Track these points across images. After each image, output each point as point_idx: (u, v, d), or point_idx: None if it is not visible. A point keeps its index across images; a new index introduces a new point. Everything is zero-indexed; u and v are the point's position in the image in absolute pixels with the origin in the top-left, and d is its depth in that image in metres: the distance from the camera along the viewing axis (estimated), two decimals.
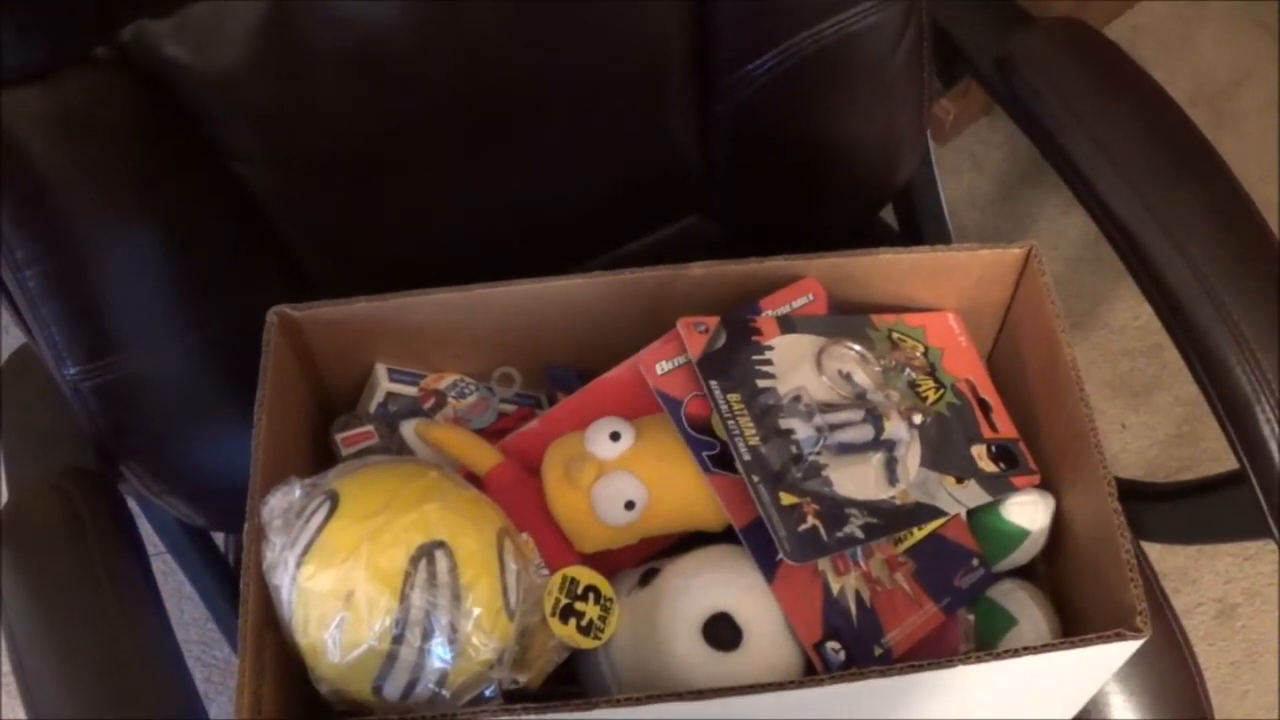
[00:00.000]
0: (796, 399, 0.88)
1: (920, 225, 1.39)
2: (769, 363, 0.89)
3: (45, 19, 0.88)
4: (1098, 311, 2.07)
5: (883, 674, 0.75)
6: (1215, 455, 1.92)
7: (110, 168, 0.94)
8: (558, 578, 0.84)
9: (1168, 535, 1.26)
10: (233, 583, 0.82)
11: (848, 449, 0.87)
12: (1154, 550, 1.18)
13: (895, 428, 0.89)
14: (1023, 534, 0.93)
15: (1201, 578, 1.88)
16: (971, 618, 0.92)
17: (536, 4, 1.00)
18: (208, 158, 0.98)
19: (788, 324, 0.92)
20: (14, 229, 0.91)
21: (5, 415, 1.12)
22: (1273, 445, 0.96)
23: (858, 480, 0.87)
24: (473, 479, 0.89)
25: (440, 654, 0.76)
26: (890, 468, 0.88)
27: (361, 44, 0.97)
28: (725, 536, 0.88)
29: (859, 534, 0.84)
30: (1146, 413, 1.99)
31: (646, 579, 0.87)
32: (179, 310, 0.98)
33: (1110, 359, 2.04)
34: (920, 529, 0.91)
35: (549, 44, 1.03)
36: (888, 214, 1.41)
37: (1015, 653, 0.77)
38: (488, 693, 0.79)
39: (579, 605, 0.84)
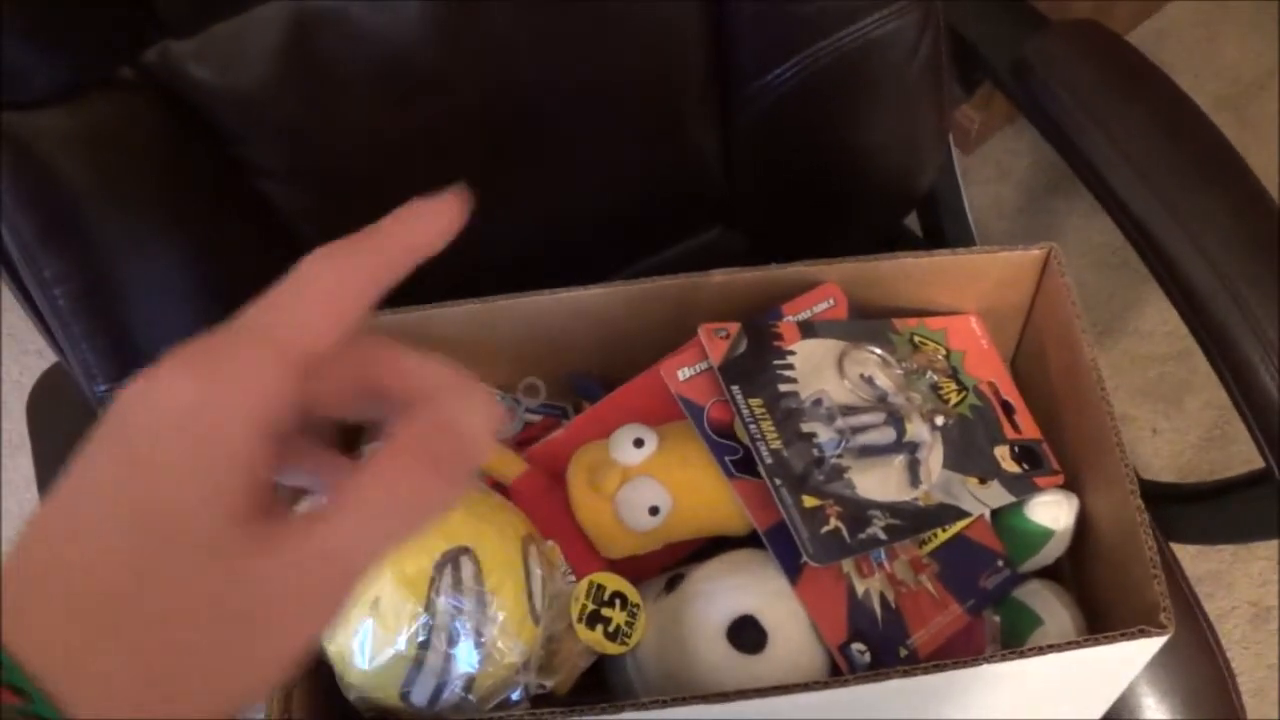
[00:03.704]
0: (818, 403, 0.88)
1: (945, 233, 1.39)
2: (790, 367, 0.90)
3: (71, 41, 0.89)
4: (1126, 317, 2.06)
5: (907, 674, 0.76)
6: (1247, 458, 1.89)
7: (137, 186, 0.95)
8: (584, 584, 0.84)
9: (1197, 536, 1.26)
10: None
11: (870, 451, 0.88)
12: (1187, 555, 1.18)
13: (917, 430, 0.90)
14: (1047, 534, 0.93)
15: (1236, 582, 1.87)
16: (997, 619, 0.92)
17: (553, 17, 1.00)
18: (233, 175, 0.99)
19: (809, 329, 0.92)
20: (43, 248, 0.92)
21: (38, 433, 1.13)
22: None
23: (880, 482, 0.87)
24: (499, 488, 0.89)
25: (466, 659, 0.77)
26: (913, 469, 0.89)
27: (381, 60, 0.97)
28: (749, 541, 0.88)
29: (882, 535, 0.84)
30: (1177, 418, 1.99)
31: (672, 584, 0.88)
32: (208, 326, 0.98)
33: (1140, 365, 2.03)
34: (944, 530, 0.91)
35: (566, 57, 1.04)
36: (913, 223, 1.41)
37: (1040, 651, 0.77)
38: (514, 697, 0.80)
39: (605, 611, 0.84)
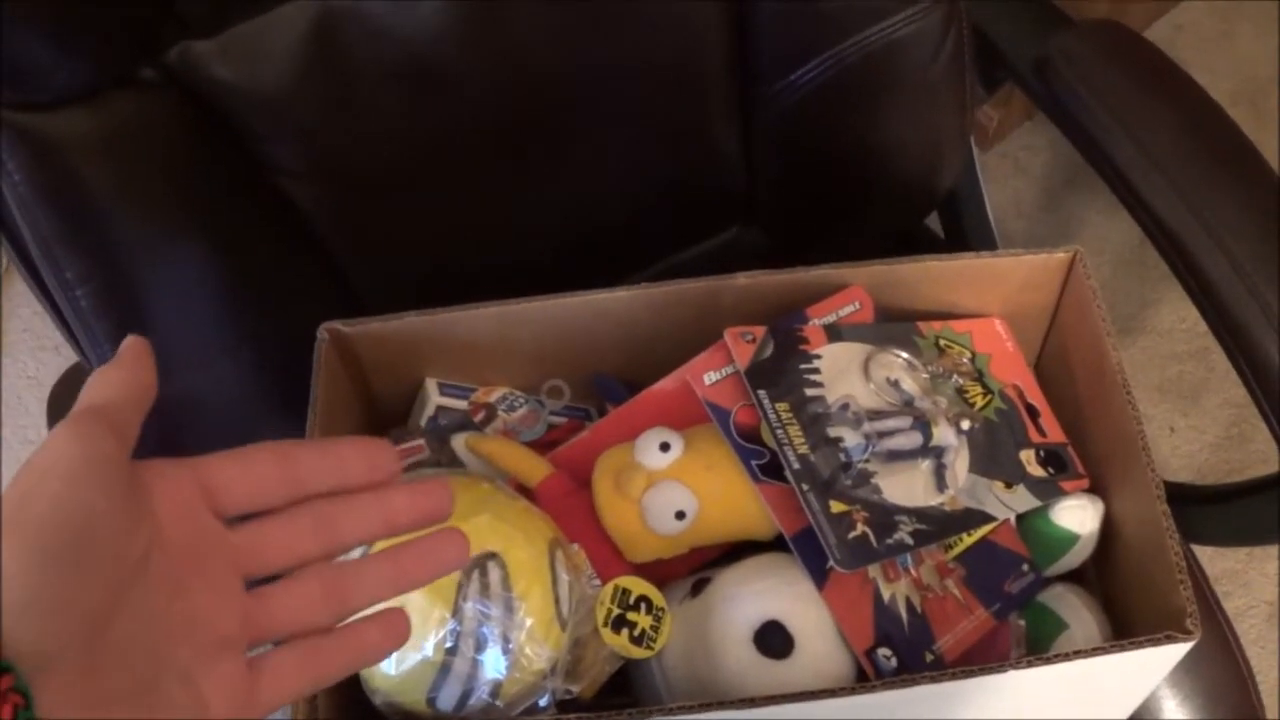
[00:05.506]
0: (844, 407, 0.88)
1: (966, 232, 1.39)
2: (817, 371, 0.90)
3: (91, 41, 0.89)
4: (1144, 316, 2.06)
5: (934, 679, 0.75)
6: (1264, 457, 1.91)
7: (159, 186, 0.94)
8: (609, 588, 0.84)
9: (1216, 538, 1.26)
10: None
11: (896, 456, 0.87)
12: (1205, 554, 1.18)
13: (943, 434, 0.89)
14: (1072, 538, 0.93)
15: (1253, 581, 1.86)
16: (1022, 623, 0.92)
17: (572, 15, 1.00)
18: (255, 175, 0.99)
19: (835, 332, 0.92)
20: (64, 248, 0.92)
21: None
22: None
23: (907, 487, 0.87)
24: (524, 491, 0.89)
25: (493, 664, 0.77)
26: (939, 474, 0.88)
27: (404, 55, 0.97)
28: (775, 545, 0.88)
29: (909, 540, 0.84)
30: (1195, 416, 1.98)
31: (698, 588, 0.87)
32: (230, 326, 0.99)
33: (1158, 363, 2.03)
34: (970, 535, 0.91)
35: (585, 56, 1.04)
36: (934, 223, 1.41)
37: (1066, 656, 0.77)
38: (541, 703, 0.80)
39: (631, 615, 0.84)
